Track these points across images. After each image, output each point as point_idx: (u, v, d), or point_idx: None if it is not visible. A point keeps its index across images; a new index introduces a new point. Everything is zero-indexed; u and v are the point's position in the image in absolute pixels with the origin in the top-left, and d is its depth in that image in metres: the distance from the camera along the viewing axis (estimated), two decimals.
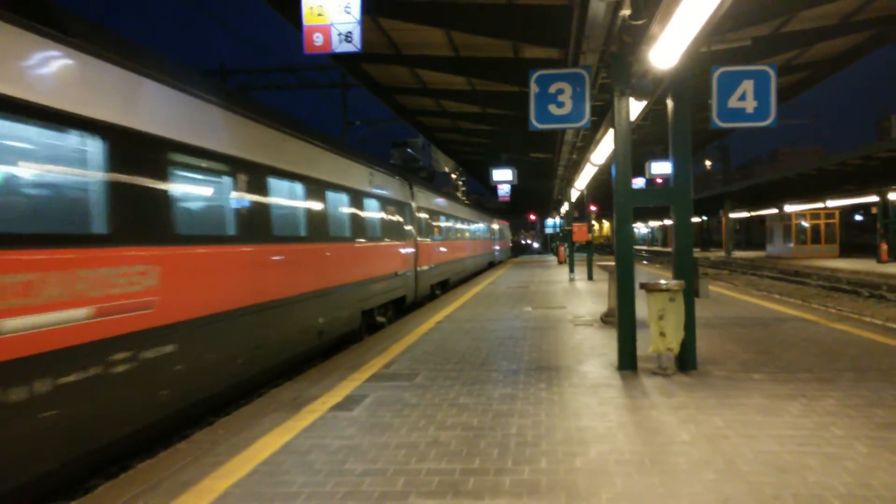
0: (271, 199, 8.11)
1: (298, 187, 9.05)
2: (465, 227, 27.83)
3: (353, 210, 11.41)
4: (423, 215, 18.16)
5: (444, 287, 21.51)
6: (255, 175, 7.71)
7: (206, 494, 4.10)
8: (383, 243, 13.37)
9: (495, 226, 43.55)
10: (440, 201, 21.56)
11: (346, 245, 10.78)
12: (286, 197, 8.67)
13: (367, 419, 5.69)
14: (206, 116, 6.80)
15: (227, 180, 7.17)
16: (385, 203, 13.72)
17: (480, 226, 34.43)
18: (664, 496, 3.87)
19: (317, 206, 9.62)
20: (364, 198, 12.12)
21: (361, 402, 6.26)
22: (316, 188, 9.62)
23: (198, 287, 6.40)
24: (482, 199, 50.09)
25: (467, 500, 3.90)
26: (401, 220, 15.09)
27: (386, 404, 6.17)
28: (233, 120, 7.36)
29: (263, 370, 7.91)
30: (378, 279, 12.76)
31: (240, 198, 7.39)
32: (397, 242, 14.58)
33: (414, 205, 16.78)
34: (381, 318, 13.05)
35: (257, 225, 7.70)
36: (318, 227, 9.62)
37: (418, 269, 16.74)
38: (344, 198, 10.93)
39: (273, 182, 8.18)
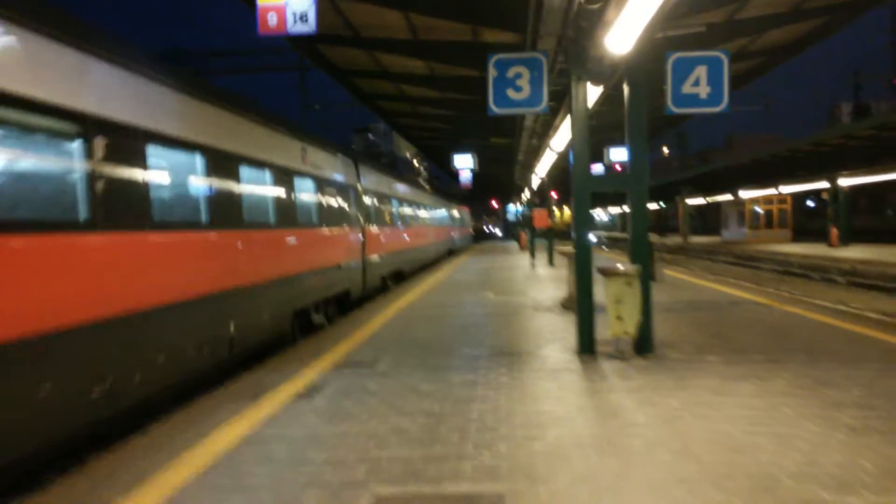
0: (146, 174, 6.14)
1: (190, 159, 7.12)
2: (421, 212, 25.88)
3: (279, 191, 9.60)
4: (372, 199, 16.53)
5: (399, 279, 19.96)
6: (115, 140, 5.69)
7: (163, 487, 4.02)
8: (321, 231, 11.71)
9: (455, 212, 41.30)
10: (393, 184, 20.01)
11: (267, 233, 9.04)
12: (172, 171, 6.77)
13: (329, 407, 5.65)
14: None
15: (70, 144, 5.27)
16: (323, 184, 12.02)
17: (439, 211, 32.55)
18: (621, 477, 3.93)
19: (223, 184, 7.71)
20: (295, 177, 10.35)
21: (322, 391, 6.22)
22: (220, 161, 7.66)
23: None
24: (440, 184, 46.79)
25: (428, 486, 3.91)
26: (344, 204, 13.44)
27: (347, 392, 6.14)
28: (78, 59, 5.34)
29: (133, 404, 5.93)
30: (315, 272, 11.01)
31: (90, 169, 5.36)
32: (340, 230, 12.97)
33: (361, 187, 15.23)
34: (318, 319, 11.34)
35: (117, 207, 5.68)
36: (224, 210, 7.69)
37: (367, 259, 15.14)
38: (264, 175, 9.12)
39: (149, 150, 6.22)
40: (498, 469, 4.13)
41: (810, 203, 63.00)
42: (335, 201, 12.80)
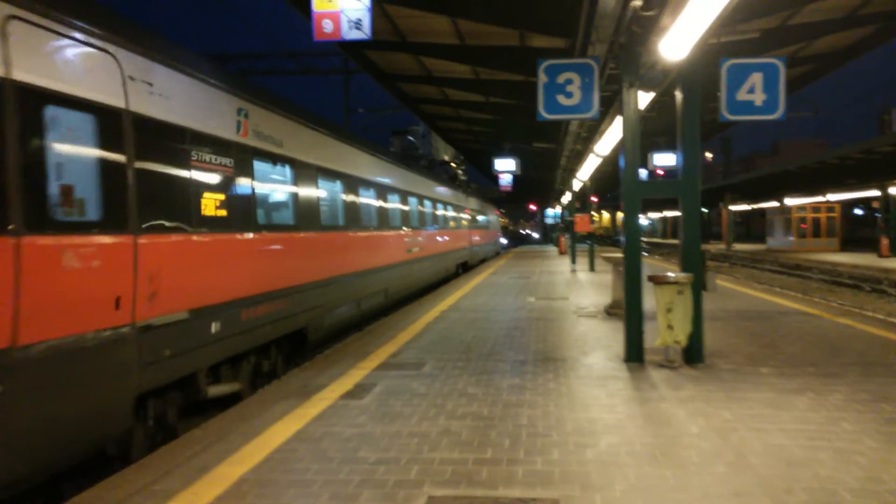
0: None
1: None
2: (410, 208, 16.68)
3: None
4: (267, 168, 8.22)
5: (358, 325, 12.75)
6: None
7: (221, 481, 4.12)
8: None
9: (472, 212, 31.00)
10: (327, 142, 10.55)
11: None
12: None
13: (378, 408, 5.71)
14: None
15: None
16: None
17: (447, 211, 22.96)
18: (676, 489, 3.90)
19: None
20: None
21: (371, 391, 6.28)
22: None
23: None
24: (478, 188, 36.90)
25: (481, 489, 3.93)
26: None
27: (395, 393, 6.19)
28: None
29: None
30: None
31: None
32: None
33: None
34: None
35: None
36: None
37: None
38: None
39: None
40: (551, 475, 4.13)
41: (858, 211, 61.37)
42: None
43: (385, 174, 14.33)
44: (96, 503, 3.82)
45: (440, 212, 21.48)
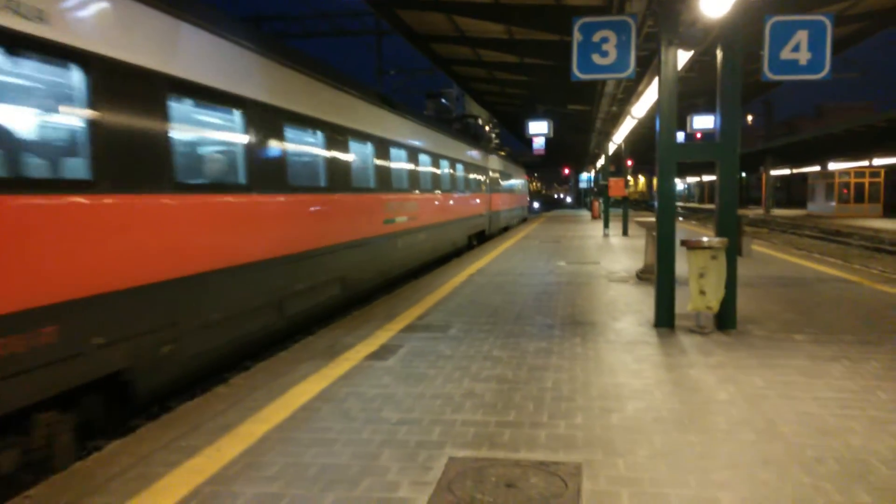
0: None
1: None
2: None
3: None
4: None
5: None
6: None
7: (245, 438, 4.17)
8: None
9: (498, 173, 28.54)
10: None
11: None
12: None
13: (402, 369, 5.71)
14: None
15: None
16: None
17: (454, 170, 18.78)
18: (703, 455, 3.83)
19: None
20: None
21: (396, 352, 6.29)
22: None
23: None
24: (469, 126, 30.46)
25: (503, 452, 3.90)
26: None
27: (420, 355, 6.19)
28: None
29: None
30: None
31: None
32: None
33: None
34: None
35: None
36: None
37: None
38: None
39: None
40: (574, 439, 4.08)
41: None
42: None
43: (330, 106, 9.42)
44: (122, 457, 3.89)
45: (443, 170, 17.34)
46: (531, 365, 5.80)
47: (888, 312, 8.01)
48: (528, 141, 34.83)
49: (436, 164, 16.36)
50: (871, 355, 5.99)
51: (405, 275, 13.45)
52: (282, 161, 7.70)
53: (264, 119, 7.27)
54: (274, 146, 7.53)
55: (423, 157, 14.98)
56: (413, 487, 3.47)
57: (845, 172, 39.77)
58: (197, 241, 5.89)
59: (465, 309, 8.54)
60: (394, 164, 12.46)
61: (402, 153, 13.31)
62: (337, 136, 9.52)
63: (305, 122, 8.48)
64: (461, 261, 14.61)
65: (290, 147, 8.04)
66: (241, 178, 6.82)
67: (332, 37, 32.97)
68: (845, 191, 39.77)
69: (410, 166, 13.82)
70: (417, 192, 14.12)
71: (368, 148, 11.08)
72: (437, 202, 16.11)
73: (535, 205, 71.79)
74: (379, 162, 11.53)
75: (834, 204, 39.99)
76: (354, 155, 10.27)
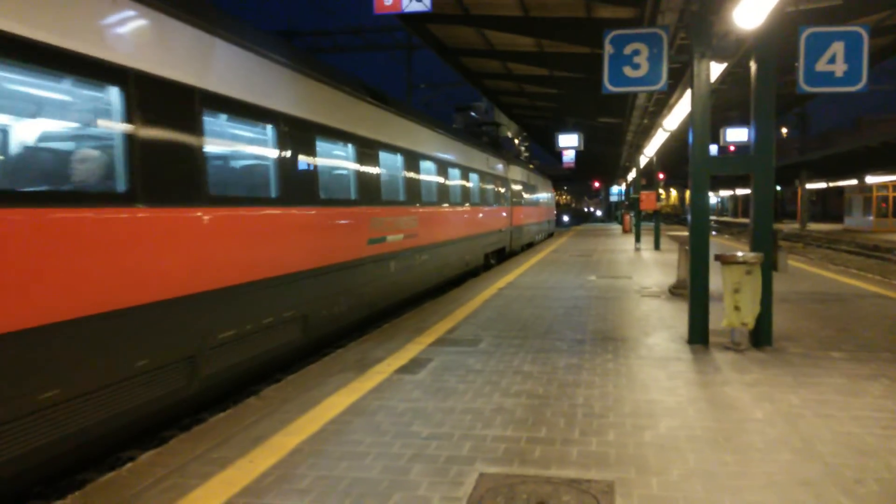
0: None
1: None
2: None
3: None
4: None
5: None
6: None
7: (276, 450, 4.19)
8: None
9: (521, 185, 25.76)
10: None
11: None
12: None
13: (432, 383, 5.71)
14: None
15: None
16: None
17: (467, 181, 16.41)
18: (738, 475, 3.75)
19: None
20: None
21: (426, 366, 6.29)
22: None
23: None
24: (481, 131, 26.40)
25: (534, 468, 3.87)
26: None
27: (450, 369, 6.18)
28: None
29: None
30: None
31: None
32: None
33: None
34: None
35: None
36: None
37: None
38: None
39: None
40: (606, 456, 4.03)
41: None
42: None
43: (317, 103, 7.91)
44: (155, 468, 3.94)
45: (454, 181, 15.05)
46: (562, 380, 5.75)
47: None
48: (558, 154, 34.73)
49: (442, 172, 14.03)
50: None
51: (400, 304, 11.46)
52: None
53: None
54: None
55: (424, 164, 12.69)
56: (444, 503, 3.45)
57: (883, 186, 38.90)
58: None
59: (495, 323, 8.51)
60: (384, 171, 10.20)
61: (397, 158, 11.04)
62: (299, 132, 7.38)
63: (245, 110, 6.37)
64: (489, 275, 14.58)
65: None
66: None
67: (363, 51, 33.32)
68: (884, 205, 38.89)
69: (407, 174, 11.53)
70: (418, 205, 11.90)
71: (348, 150, 8.98)
72: (444, 216, 13.85)
73: (565, 218, 71.54)
74: (362, 168, 9.27)
75: (872, 218, 39.11)
76: (327, 159, 8.26)
